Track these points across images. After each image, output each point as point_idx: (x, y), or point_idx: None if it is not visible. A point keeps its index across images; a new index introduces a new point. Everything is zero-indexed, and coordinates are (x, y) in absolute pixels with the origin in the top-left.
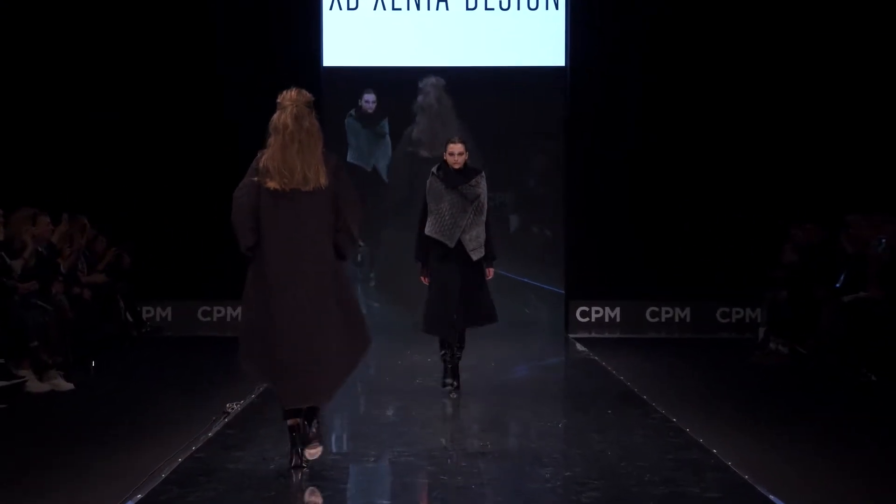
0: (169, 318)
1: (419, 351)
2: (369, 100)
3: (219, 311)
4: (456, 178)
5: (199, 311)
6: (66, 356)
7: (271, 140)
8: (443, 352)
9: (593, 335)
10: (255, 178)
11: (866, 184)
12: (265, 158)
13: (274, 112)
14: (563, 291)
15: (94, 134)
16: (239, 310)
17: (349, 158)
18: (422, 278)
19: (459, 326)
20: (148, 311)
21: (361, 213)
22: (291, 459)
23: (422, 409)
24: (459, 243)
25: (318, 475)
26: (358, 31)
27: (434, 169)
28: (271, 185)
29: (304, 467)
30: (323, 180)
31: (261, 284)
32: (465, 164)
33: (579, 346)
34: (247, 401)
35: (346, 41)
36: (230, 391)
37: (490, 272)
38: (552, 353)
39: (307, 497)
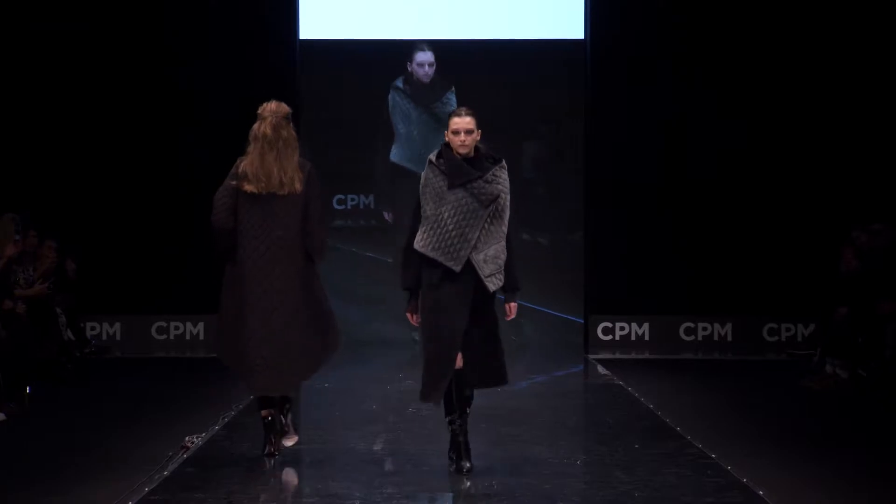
0: (118, 337)
1: (413, 376)
2: (424, 62)
3: (176, 328)
4: (463, 171)
5: (154, 328)
6: None
7: (251, 147)
8: (449, 418)
9: (617, 356)
10: (234, 182)
11: None
12: (244, 164)
13: (243, 93)
14: (566, 316)
15: (35, 124)
16: (200, 325)
17: (393, 157)
18: (408, 315)
19: (466, 385)
20: (93, 328)
21: (325, 219)
22: (265, 448)
23: (415, 443)
24: (469, 266)
25: None
26: (336, 2)
27: (432, 156)
28: (249, 188)
29: (276, 454)
30: (298, 186)
31: (236, 284)
32: (477, 148)
33: (601, 369)
34: (209, 433)
35: (324, 13)
36: (190, 422)
37: (513, 309)
38: (569, 377)
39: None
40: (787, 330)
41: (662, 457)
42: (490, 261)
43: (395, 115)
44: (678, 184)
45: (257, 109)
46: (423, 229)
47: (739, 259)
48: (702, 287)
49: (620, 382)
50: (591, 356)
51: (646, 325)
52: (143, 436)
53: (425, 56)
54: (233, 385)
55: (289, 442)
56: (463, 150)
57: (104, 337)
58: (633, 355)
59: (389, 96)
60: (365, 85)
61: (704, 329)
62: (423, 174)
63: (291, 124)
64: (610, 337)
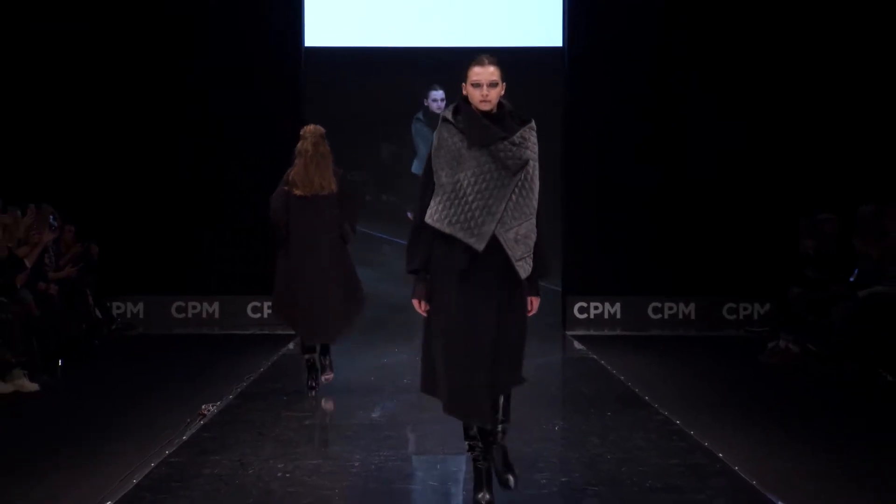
0: (141, 315)
1: (408, 349)
2: (437, 98)
3: (194, 307)
4: (487, 130)
5: (174, 307)
6: (30, 355)
7: (297, 161)
8: (469, 443)
9: (592, 332)
10: (286, 188)
11: (882, 173)
12: (293, 174)
13: (252, 95)
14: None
15: (60, 118)
16: (215, 305)
17: (414, 169)
18: (415, 303)
19: (495, 392)
20: (118, 307)
21: (358, 210)
22: (308, 383)
23: (411, 412)
24: (495, 246)
25: (299, 480)
26: (341, 9)
27: (447, 112)
28: (297, 192)
29: (316, 388)
30: (333, 187)
31: (288, 262)
32: (502, 105)
33: (577, 345)
34: (224, 402)
35: (328, 22)
36: (206, 392)
37: (534, 304)
38: (548, 352)
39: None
40: (745, 309)
41: (632, 423)
42: (521, 241)
43: (417, 138)
44: (647, 180)
45: (299, 130)
46: (438, 199)
47: (701, 244)
48: (668, 270)
49: (595, 356)
50: (568, 333)
51: (617, 305)
52: (163, 404)
53: (437, 93)
54: (244, 359)
55: (326, 377)
56: (485, 107)
57: (128, 315)
58: (605, 332)
59: (412, 125)
60: (366, 88)
61: (670, 308)
62: (435, 134)
63: (326, 141)
64: (585, 315)
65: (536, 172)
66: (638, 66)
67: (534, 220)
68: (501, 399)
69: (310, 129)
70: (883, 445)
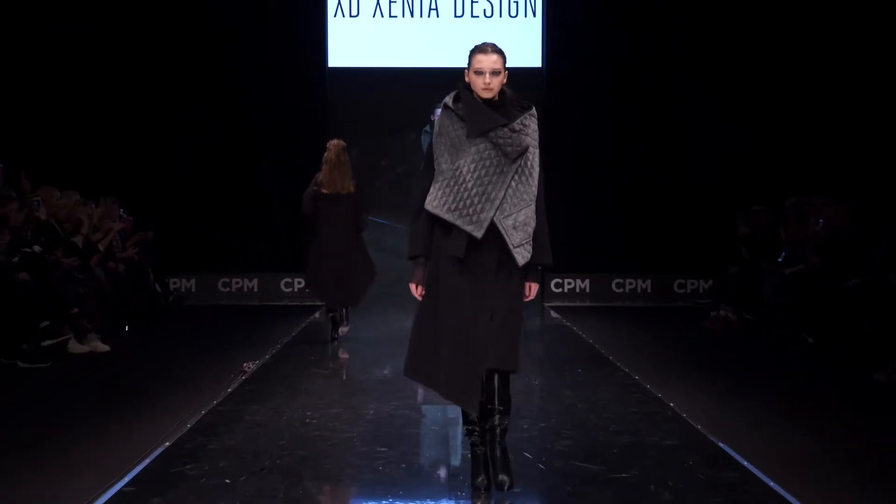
0: (192, 289)
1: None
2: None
3: (237, 283)
4: (487, 117)
5: (220, 283)
6: (103, 322)
7: (324, 167)
8: (468, 427)
9: (566, 304)
10: (315, 188)
11: (807, 169)
12: (321, 177)
13: (282, 110)
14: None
15: (127, 125)
16: (255, 281)
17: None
18: (412, 287)
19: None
20: (174, 283)
21: (367, 210)
22: (331, 334)
23: None
24: (493, 233)
25: (323, 426)
26: (359, 35)
27: (448, 100)
28: (324, 191)
29: (337, 339)
30: (352, 189)
31: (317, 245)
32: (503, 92)
33: (553, 314)
34: (262, 361)
35: (349, 45)
36: (247, 353)
37: (533, 290)
38: (529, 320)
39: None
40: (692, 284)
41: (599, 379)
42: (520, 228)
43: (425, 146)
44: (612, 178)
45: (326, 143)
46: (437, 186)
47: (657, 231)
48: (629, 252)
49: (568, 324)
50: (546, 304)
51: (587, 281)
52: (211, 362)
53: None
54: (278, 326)
55: (343, 329)
56: (487, 94)
57: (182, 290)
58: (577, 304)
59: (421, 136)
60: (386, 106)
61: (630, 284)
62: (437, 121)
63: (346, 152)
64: (560, 290)
65: (536, 159)
66: (604, 80)
67: (533, 207)
68: (497, 384)
69: (334, 143)
70: (802, 392)
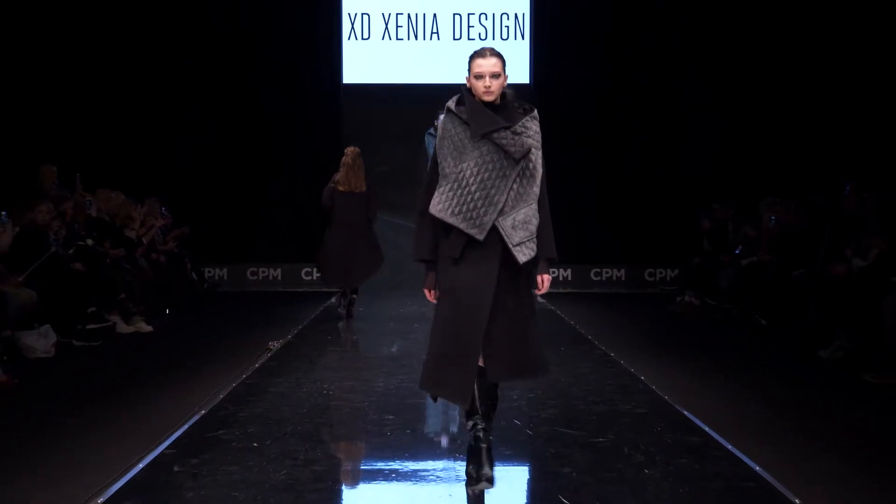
0: (225, 277)
1: (418, 303)
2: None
3: (263, 272)
4: (489, 119)
5: (248, 272)
6: (146, 305)
7: (342, 169)
8: (470, 423)
9: (550, 291)
10: (333, 185)
11: (765, 171)
12: (339, 177)
13: (300, 124)
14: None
15: (166, 133)
16: (279, 270)
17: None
18: (426, 292)
19: (492, 378)
20: (209, 272)
21: (378, 204)
22: (340, 313)
23: (419, 348)
24: (495, 234)
25: (338, 396)
26: (370, 55)
27: (451, 103)
28: (341, 188)
29: (345, 316)
30: (364, 188)
31: (332, 234)
32: (504, 95)
33: (539, 299)
34: (285, 340)
35: (361, 63)
36: (272, 333)
37: (545, 282)
38: None
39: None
40: (661, 273)
41: (579, 355)
42: (519, 227)
43: (428, 147)
44: (590, 180)
45: (344, 149)
46: (442, 190)
47: (630, 227)
48: (606, 245)
49: (552, 307)
50: (532, 290)
51: (569, 270)
52: (241, 341)
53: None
54: (299, 309)
55: (351, 309)
56: (488, 98)
57: (216, 277)
58: (560, 290)
59: (425, 137)
60: (397, 120)
61: (607, 272)
62: (440, 124)
63: (361, 157)
64: None
65: (539, 160)
66: (585, 92)
67: (534, 206)
68: (486, 384)
69: (351, 149)
70: (756, 367)
